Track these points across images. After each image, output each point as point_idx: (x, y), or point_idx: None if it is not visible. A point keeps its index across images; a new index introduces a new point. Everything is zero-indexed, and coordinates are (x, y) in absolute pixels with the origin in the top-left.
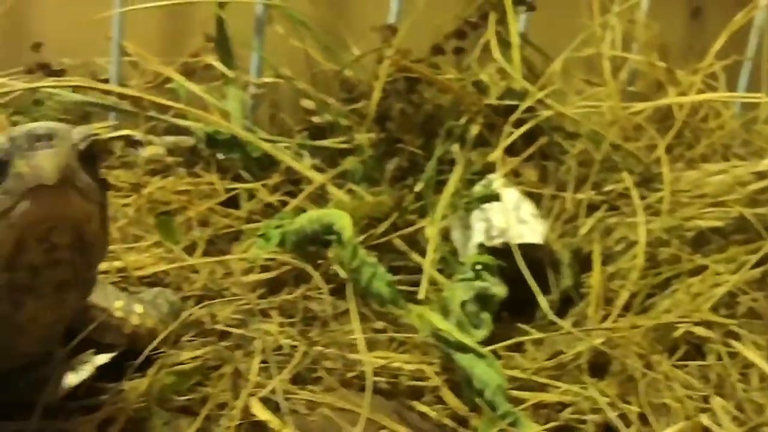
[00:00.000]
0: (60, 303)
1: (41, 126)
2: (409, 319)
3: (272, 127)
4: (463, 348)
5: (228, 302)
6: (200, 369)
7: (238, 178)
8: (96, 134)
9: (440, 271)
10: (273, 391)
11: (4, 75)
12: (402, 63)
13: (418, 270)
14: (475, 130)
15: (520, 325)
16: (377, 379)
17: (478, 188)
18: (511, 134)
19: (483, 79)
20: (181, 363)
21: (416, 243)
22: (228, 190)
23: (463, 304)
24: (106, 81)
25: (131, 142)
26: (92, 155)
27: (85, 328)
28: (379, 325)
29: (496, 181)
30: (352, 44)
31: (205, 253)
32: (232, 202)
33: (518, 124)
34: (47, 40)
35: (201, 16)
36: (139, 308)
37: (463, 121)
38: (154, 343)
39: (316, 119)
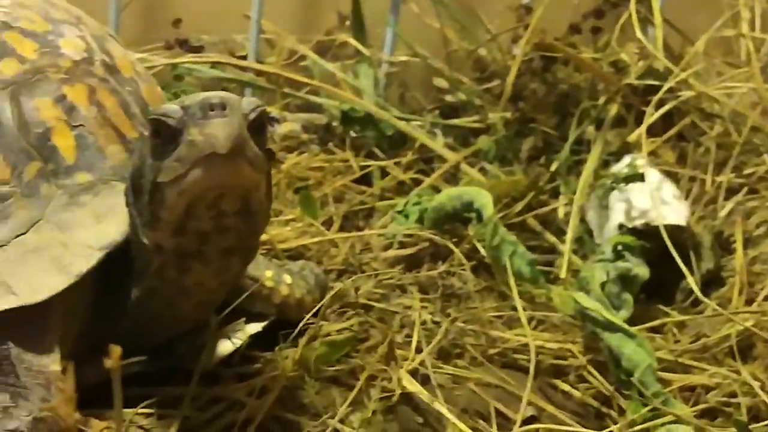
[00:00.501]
0: (225, 269)
1: (215, 95)
2: (549, 297)
3: (401, 105)
4: (612, 327)
5: (368, 277)
6: (351, 340)
7: (370, 156)
8: (264, 105)
9: (574, 251)
10: (421, 365)
11: (145, 50)
12: (544, 41)
13: (551, 250)
14: (613, 110)
15: (660, 306)
16: (518, 356)
17: (615, 168)
18: (651, 115)
19: (623, 59)
20: (328, 334)
21: (549, 223)
22: (362, 168)
23: (603, 284)
24: (243, 58)
25: (268, 119)
26: (260, 125)
27: (236, 296)
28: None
29: (639, 161)
30: (487, 23)
31: (341, 229)
32: (364, 179)
33: (656, 105)
34: (186, 16)
35: None
36: (288, 279)
37: (601, 101)
38: (311, 314)
39: (448, 98)
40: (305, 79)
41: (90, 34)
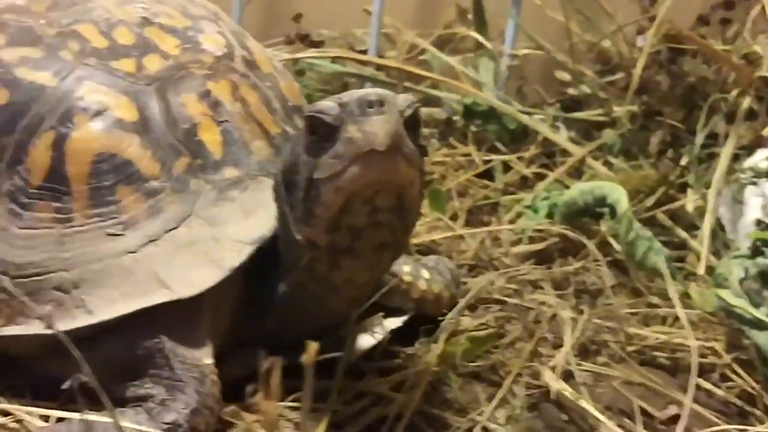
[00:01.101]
0: (375, 265)
1: (372, 92)
2: (686, 294)
3: (519, 98)
4: (760, 324)
5: (500, 272)
6: (493, 336)
7: (492, 150)
8: (418, 102)
9: None
10: (564, 362)
11: (267, 45)
12: (673, 33)
13: (681, 245)
14: (745, 103)
15: None
16: (657, 354)
17: (748, 163)
18: None
19: (755, 50)
20: (466, 330)
21: (678, 218)
22: (484, 162)
23: (742, 281)
24: (363, 52)
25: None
26: (415, 122)
27: (374, 291)
28: (654, 299)
29: None
30: (610, 15)
31: (466, 224)
32: (486, 174)
33: None
34: (307, 11)
35: None
36: (426, 274)
37: (733, 94)
38: (457, 308)
39: (571, 91)
40: (426, 73)
41: (228, 29)
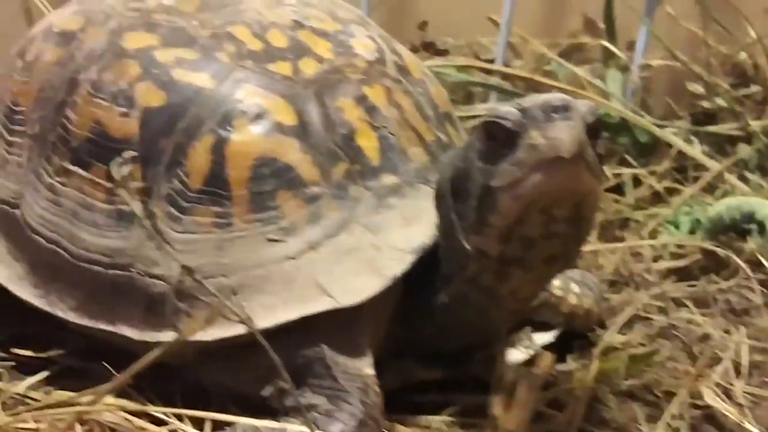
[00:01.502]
0: (543, 277)
1: (557, 97)
2: None
3: (644, 110)
4: None
5: (642, 288)
6: (651, 355)
7: (621, 163)
8: (598, 108)
9: None
10: (721, 381)
11: None
12: None
13: None
14: None
15: None
16: None
17: None
18: None
19: None
20: (613, 347)
21: None
22: (614, 176)
23: None
24: (488, 61)
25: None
26: (597, 129)
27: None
28: None
29: None
30: (746, 27)
31: (599, 238)
32: (615, 188)
33: None
34: (432, 19)
35: None
36: (575, 288)
37: None
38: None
39: (704, 104)
40: (557, 83)
41: (377, 34)
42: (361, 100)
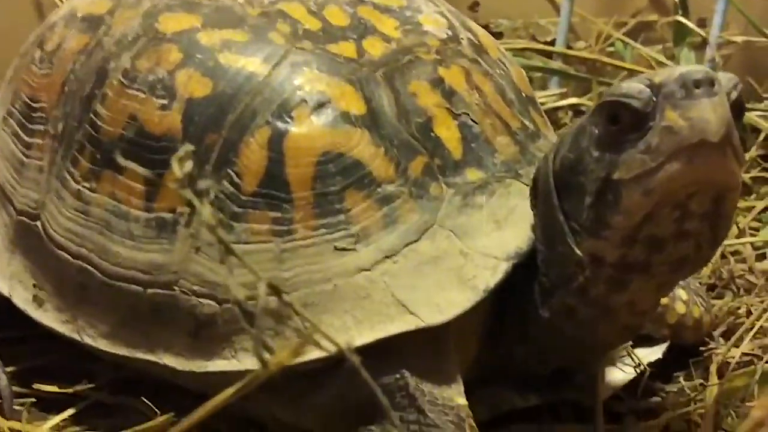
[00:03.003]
0: (665, 285)
1: (697, 69)
2: None
3: None
4: None
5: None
6: None
7: None
8: (741, 83)
9: None
10: None
11: None
12: None
13: None
14: None
15: None
16: None
17: None
18: None
19: None
20: (727, 362)
21: None
22: None
23: None
24: (548, 43)
25: (578, 113)
26: (740, 107)
27: None
28: None
29: None
30: None
31: None
32: None
33: None
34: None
35: None
36: (683, 294)
37: None
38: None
39: None
40: (627, 65)
41: (446, 9)
42: (438, 83)
